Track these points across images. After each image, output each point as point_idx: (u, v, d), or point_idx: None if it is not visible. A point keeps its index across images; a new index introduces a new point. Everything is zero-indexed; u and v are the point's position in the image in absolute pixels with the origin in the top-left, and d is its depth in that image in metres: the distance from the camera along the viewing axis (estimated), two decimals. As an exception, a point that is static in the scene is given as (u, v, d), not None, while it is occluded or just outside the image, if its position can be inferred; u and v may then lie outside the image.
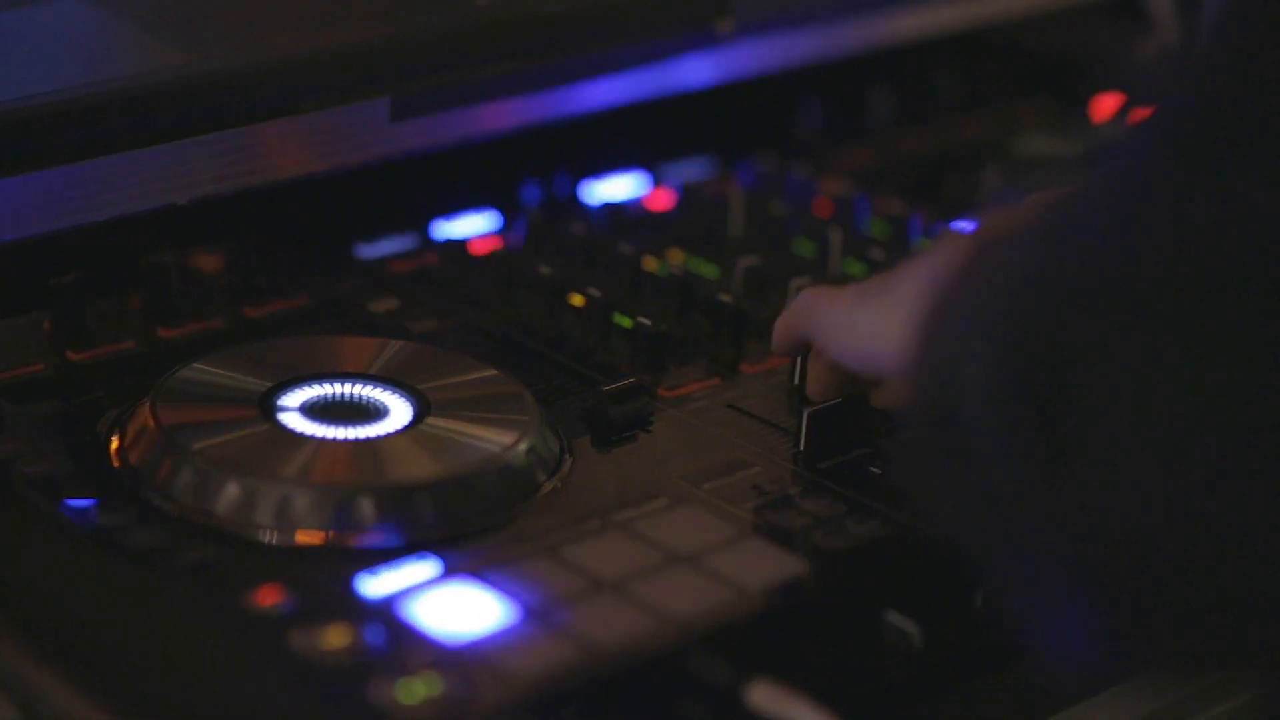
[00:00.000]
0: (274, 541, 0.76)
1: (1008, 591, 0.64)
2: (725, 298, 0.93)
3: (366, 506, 0.76)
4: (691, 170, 1.09)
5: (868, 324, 0.77)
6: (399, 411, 0.82)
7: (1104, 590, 0.60)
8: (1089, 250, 0.60)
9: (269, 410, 0.81)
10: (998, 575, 0.64)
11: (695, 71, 1.06)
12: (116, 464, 0.80)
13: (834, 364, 0.82)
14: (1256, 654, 0.60)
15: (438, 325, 0.93)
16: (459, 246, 0.99)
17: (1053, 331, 0.60)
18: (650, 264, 0.97)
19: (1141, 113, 0.60)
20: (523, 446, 0.80)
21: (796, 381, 0.87)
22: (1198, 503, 0.58)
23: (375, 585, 0.73)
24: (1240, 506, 0.57)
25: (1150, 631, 0.60)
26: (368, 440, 0.80)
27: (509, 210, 1.03)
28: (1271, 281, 0.56)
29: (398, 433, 0.81)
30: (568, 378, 0.89)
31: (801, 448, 0.83)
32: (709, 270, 0.99)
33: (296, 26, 0.98)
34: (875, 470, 0.82)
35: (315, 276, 0.96)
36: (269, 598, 0.72)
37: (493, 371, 0.86)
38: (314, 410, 0.81)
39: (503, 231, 1.02)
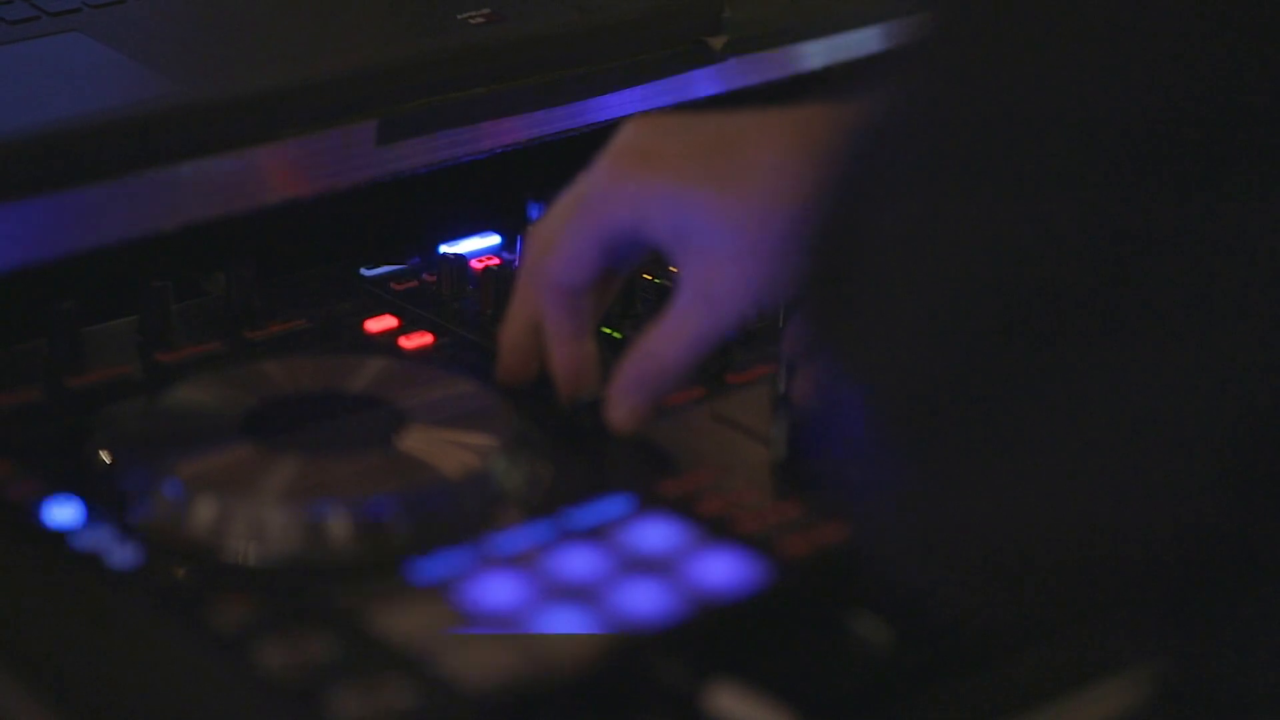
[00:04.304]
0: (249, 560, 0.77)
1: (834, 469, 0.64)
2: (712, 308, 0.93)
3: (340, 522, 0.77)
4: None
5: None
6: (379, 428, 0.83)
7: (897, 441, 0.60)
8: (888, 110, 0.61)
9: (249, 431, 0.82)
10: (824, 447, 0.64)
11: (690, 88, 1.06)
12: (104, 486, 0.81)
13: None
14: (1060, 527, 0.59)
15: (431, 343, 0.94)
16: (458, 265, 1.00)
17: (849, 185, 0.61)
18: (645, 276, 0.98)
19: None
20: (498, 458, 0.81)
21: (782, 390, 0.88)
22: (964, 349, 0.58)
23: (346, 600, 0.74)
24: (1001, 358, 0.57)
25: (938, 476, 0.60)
26: (345, 457, 0.81)
27: (512, 228, 1.04)
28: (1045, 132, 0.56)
29: (376, 448, 0.82)
30: (556, 390, 0.90)
31: (780, 456, 0.84)
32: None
33: (288, 52, 1.00)
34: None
35: (314, 298, 0.97)
36: (238, 615, 0.73)
37: (473, 386, 0.86)
38: (294, 429, 0.82)
39: (503, 249, 1.03)
